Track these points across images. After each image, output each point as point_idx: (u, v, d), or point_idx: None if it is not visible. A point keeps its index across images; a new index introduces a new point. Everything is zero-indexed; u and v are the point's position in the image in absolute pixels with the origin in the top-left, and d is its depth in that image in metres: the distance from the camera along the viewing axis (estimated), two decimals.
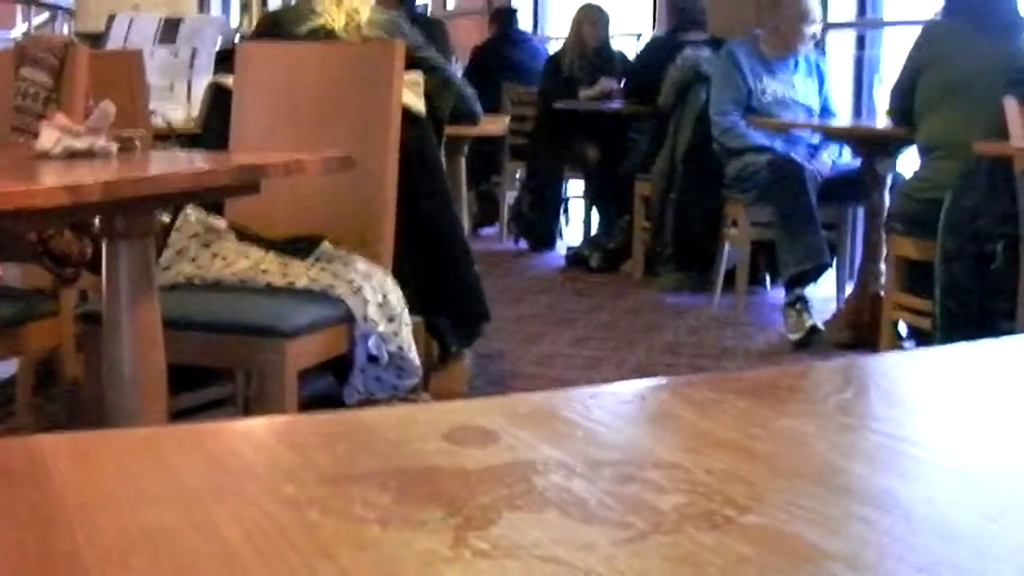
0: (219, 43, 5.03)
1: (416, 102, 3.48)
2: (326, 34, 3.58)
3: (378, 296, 2.85)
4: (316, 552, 0.50)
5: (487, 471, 0.60)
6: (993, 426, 0.71)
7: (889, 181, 4.88)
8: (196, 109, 4.30)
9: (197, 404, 3.40)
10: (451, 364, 4.08)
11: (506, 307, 5.60)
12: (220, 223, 3.06)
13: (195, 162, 2.74)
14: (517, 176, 7.96)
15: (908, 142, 4.59)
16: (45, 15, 6.55)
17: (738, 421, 0.69)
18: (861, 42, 6.55)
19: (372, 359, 2.85)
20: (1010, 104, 3.63)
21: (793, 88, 5.53)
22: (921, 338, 4.45)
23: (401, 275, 3.03)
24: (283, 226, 3.05)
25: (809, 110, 5.56)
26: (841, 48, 6.50)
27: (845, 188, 5.25)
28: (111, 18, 4.82)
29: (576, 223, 7.97)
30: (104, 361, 2.25)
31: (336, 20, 3.58)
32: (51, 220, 2.50)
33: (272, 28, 3.92)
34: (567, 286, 6.37)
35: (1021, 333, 3.37)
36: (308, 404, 3.23)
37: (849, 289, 5.29)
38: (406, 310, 2.93)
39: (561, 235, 7.80)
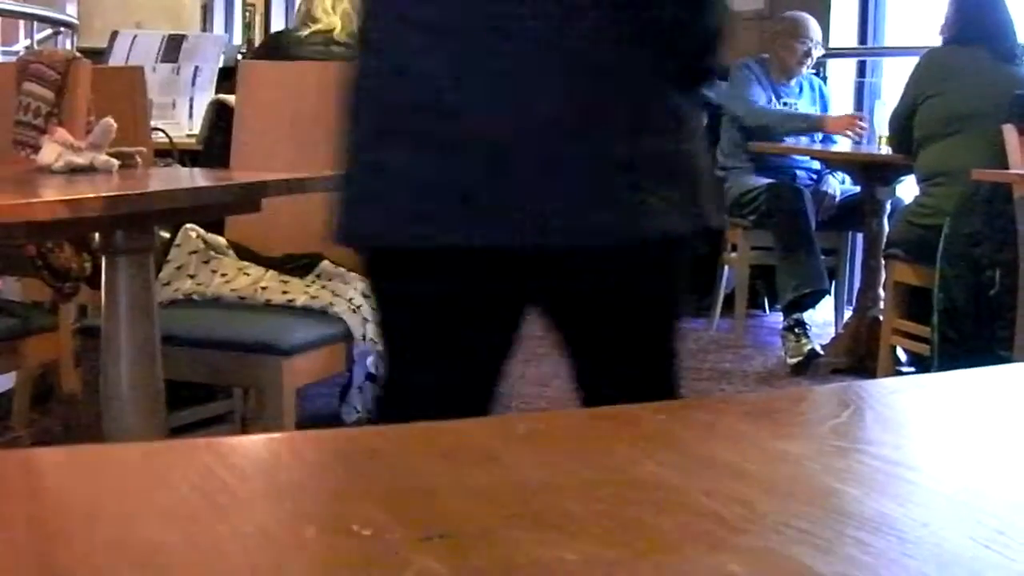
0: (221, 61, 5.04)
1: None
2: (324, 36, 3.64)
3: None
4: (313, 569, 0.51)
5: (485, 490, 0.60)
6: (988, 452, 0.71)
7: (888, 207, 4.89)
8: (198, 126, 4.31)
9: (195, 420, 3.40)
10: None
11: None
12: (220, 240, 3.06)
13: (196, 179, 2.75)
14: None
15: (908, 169, 4.60)
16: (48, 31, 6.55)
17: (735, 444, 0.69)
18: (862, 69, 6.56)
19: (371, 378, 2.85)
20: (1009, 131, 3.64)
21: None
22: (919, 364, 4.46)
23: None
24: (283, 244, 3.05)
25: (811, 136, 5.57)
26: (842, 75, 6.52)
27: (845, 214, 5.26)
28: (114, 35, 4.83)
29: None
30: (102, 376, 2.24)
31: (335, 23, 3.65)
32: (51, 234, 2.50)
33: (276, 42, 3.97)
34: None
35: (1018, 360, 3.38)
36: (306, 423, 3.23)
37: (848, 314, 5.30)
38: None
39: None
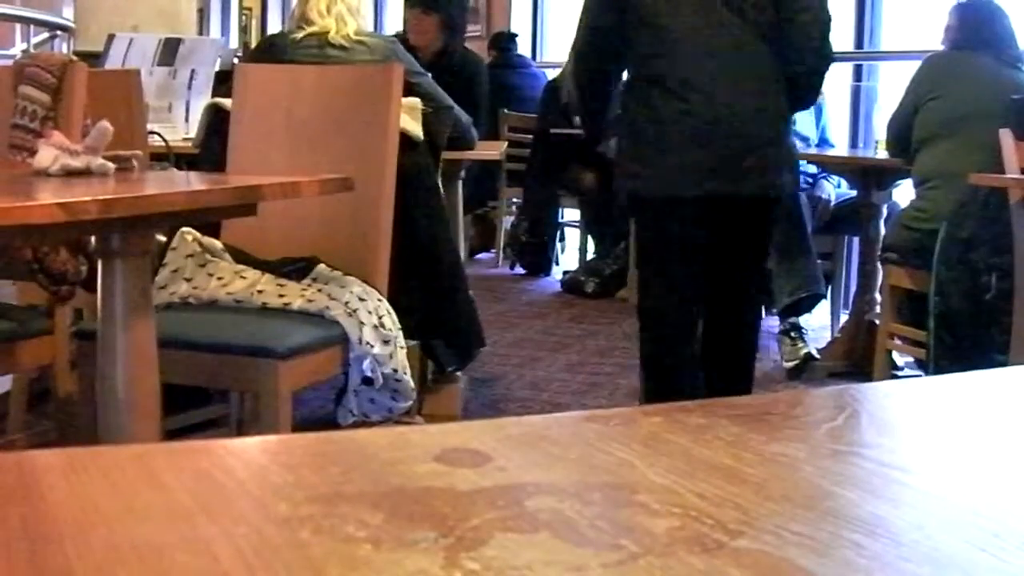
0: (217, 64, 5.04)
1: (414, 127, 3.49)
2: (319, 39, 3.65)
3: (373, 318, 2.85)
4: (307, 571, 0.50)
5: (479, 492, 0.60)
6: (984, 455, 0.71)
7: (885, 211, 4.89)
8: (194, 130, 4.31)
9: (191, 424, 3.40)
10: (445, 387, 4.09)
11: (501, 332, 5.60)
12: (216, 244, 3.06)
13: (192, 183, 2.74)
14: (514, 201, 7.97)
15: (904, 173, 4.61)
16: (44, 34, 6.55)
17: (730, 446, 0.69)
18: (858, 73, 6.57)
19: (367, 381, 2.85)
20: (1005, 136, 3.64)
21: None
22: (915, 368, 4.46)
23: (396, 298, 3.03)
24: (279, 248, 3.05)
25: (807, 141, 5.57)
26: (838, 79, 6.53)
27: (841, 218, 5.27)
28: (110, 38, 4.83)
29: (572, 249, 7.99)
30: (98, 379, 2.24)
31: (329, 25, 3.67)
32: (47, 237, 2.50)
33: (271, 45, 3.98)
34: (562, 311, 6.37)
35: (1014, 364, 3.38)
36: (302, 426, 3.23)
37: (844, 318, 5.30)
38: (401, 333, 2.93)
39: (557, 261, 7.81)
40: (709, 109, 3.26)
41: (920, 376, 4.13)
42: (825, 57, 3.39)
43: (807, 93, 3.49)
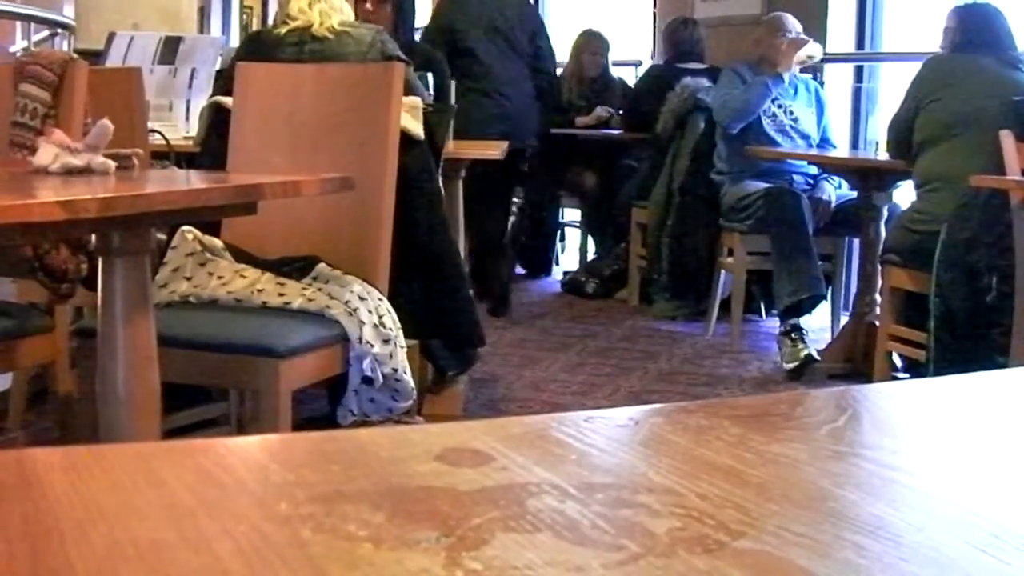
0: (218, 63, 5.04)
1: (415, 126, 3.49)
2: (300, 35, 3.66)
3: (373, 318, 2.85)
4: (308, 570, 0.50)
5: (480, 492, 0.60)
6: (985, 457, 0.71)
7: (885, 213, 4.89)
8: (194, 128, 4.31)
9: (191, 423, 3.40)
10: (445, 388, 4.08)
11: (501, 331, 5.60)
12: (216, 242, 3.06)
13: (193, 181, 2.74)
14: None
15: (905, 175, 4.61)
16: (45, 32, 6.55)
17: (731, 447, 0.69)
18: (859, 74, 6.56)
19: (367, 381, 2.85)
20: (1006, 137, 3.64)
21: (792, 116, 5.54)
22: (915, 369, 4.46)
23: (396, 298, 3.03)
24: (279, 247, 3.05)
25: (808, 139, 5.57)
26: (839, 80, 6.52)
27: (841, 219, 5.27)
28: (111, 36, 4.83)
29: (572, 249, 7.98)
30: (98, 378, 2.24)
31: (313, 19, 3.69)
32: (47, 235, 2.50)
33: (255, 41, 3.98)
34: (562, 312, 6.37)
35: (1015, 366, 3.37)
36: (302, 425, 3.23)
37: (844, 319, 5.30)
38: (401, 332, 2.93)
39: (557, 261, 7.81)
40: (506, 105, 6.12)
41: (914, 379, 4.13)
42: (553, 76, 6.54)
43: (550, 96, 6.46)
